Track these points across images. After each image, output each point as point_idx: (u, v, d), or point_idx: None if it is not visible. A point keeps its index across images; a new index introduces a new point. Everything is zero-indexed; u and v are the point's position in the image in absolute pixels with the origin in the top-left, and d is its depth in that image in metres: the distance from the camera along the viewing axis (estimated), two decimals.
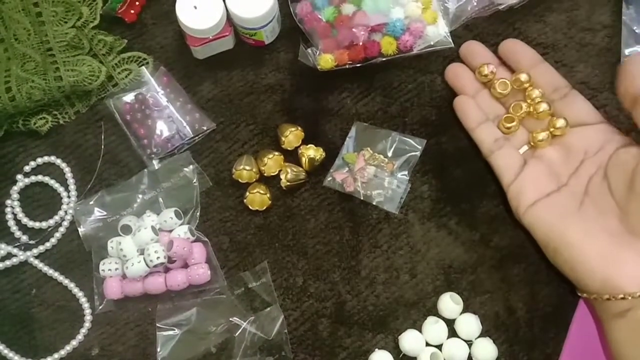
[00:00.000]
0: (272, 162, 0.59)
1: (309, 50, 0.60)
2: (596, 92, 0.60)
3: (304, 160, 0.59)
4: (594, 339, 0.53)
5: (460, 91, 0.59)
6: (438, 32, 0.60)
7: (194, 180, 0.58)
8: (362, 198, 0.58)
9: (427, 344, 0.55)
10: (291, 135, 0.59)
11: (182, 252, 0.55)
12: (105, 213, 0.58)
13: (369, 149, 0.59)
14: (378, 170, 0.58)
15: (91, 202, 0.58)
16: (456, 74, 0.60)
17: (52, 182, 0.60)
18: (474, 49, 0.60)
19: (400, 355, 0.55)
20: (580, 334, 0.54)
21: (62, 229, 0.59)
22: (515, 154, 0.55)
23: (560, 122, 0.54)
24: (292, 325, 0.56)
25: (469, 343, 0.55)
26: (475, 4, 0.61)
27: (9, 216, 0.59)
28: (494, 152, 0.55)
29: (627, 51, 0.60)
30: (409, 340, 0.54)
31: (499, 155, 0.55)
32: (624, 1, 0.61)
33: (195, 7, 0.58)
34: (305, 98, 0.62)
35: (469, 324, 0.55)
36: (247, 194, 0.58)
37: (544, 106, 0.55)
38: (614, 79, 0.60)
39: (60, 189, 0.59)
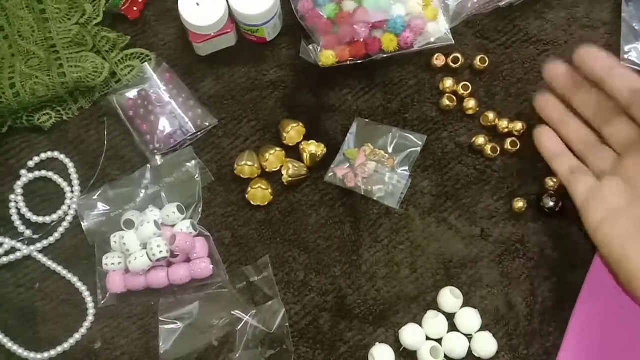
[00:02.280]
0: (273, 158, 0.59)
1: (310, 46, 0.61)
2: None
3: (305, 156, 0.59)
4: (593, 333, 0.53)
5: (547, 119, 0.58)
6: (439, 29, 0.61)
7: (196, 176, 0.58)
8: (363, 193, 0.58)
9: (428, 338, 0.55)
10: (293, 131, 0.60)
11: (184, 247, 0.55)
12: (108, 208, 0.58)
13: (369, 144, 0.60)
14: (379, 166, 0.59)
15: (94, 197, 0.58)
16: (543, 107, 0.58)
17: (56, 177, 0.60)
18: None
19: (401, 349, 0.55)
20: (581, 328, 0.54)
21: (65, 224, 0.59)
22: (590, 178, 0.53)
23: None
24: (293, 319, 0.56)
25: (469, 337, 0.55)
26: (475, 0, 0.61)
27: (13, 211, 0.59)
28: (570, 182, 0.54)
29: (626, 48, 0.60)
30: (410, 334, 0.55)
31: (574, 182, 0.53)
32: None
33: (198, 4, 0.58)
34: (307, 94, 0.62)
35: (469, 318, 0.55)
36: (249, 189, 0.59)
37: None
38: None
39: (64, 184, 0.60)
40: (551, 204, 0.57)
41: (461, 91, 0.61)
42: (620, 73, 0.52)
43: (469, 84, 0.61)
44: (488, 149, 0.59)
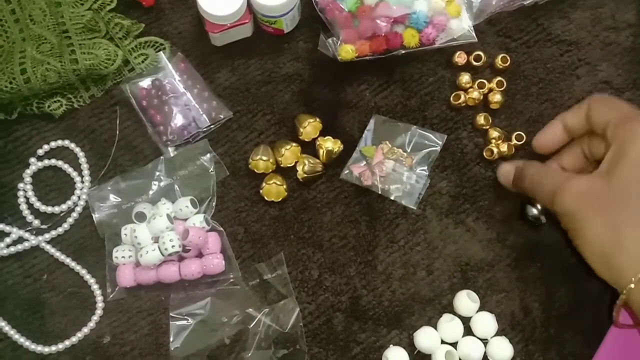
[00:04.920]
0: (289, 153, 0.58)
1: (329, 40, 0.59)
2: (619, 92, 0.60)
3: (321, 152, 0.58)
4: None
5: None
6: (461, 25, 0.60)
7: (211, 169, 0.57)
8: (379, 192, 0.57)
9: (442, 342, 0.54)
10: (309, 127, 0.58)
11: (197, 242, 0.54)
12: (119, 199, 0.57)
13: (387, 142, 0.58)
14: (397, 165, 0.58)
15: (108, 188, 0.57)
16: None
17: (66, 167, 0.59)
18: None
19: (415, 352, 0.54)
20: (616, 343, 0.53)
21: (74, 214, 0.58)
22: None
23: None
24: (306, 318, 0.55)
25: (485, 342, 0.54)
26: None
27: (22, 200, 0.58)
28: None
29: None
30: (424, 337, 0.54)
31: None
32: None
33: None
34: (324, 89, 0.61)
35: (485, 323, 0.54)
36: (264, 184, 0.57)
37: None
38: (638, 78, 0.60)
39: (74, 174, 0.59)
40: (535, 212, 0.56)
41: (480, 88, 0.60)
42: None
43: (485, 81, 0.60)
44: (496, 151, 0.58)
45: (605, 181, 0.48)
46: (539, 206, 0.56)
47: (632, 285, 0.45)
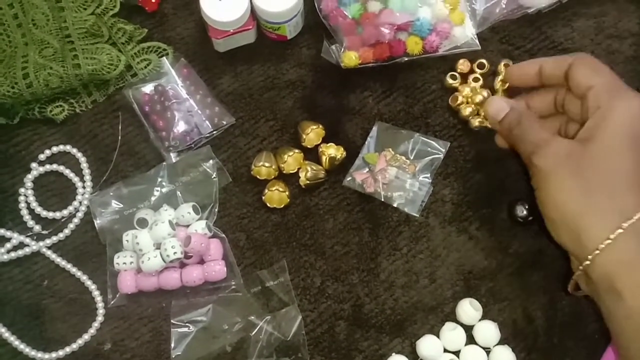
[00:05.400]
0: (291, 160, 0.58)
1: (333, 47, 0.59)
2: None
3: (324, 158, 0.58)
4: None
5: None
6: (465, 33, 0.60)
7: (214, 175, 0.57)
8: (382, 199, 0.57)
9: (445, 350, 0.54)
10: (312, 133, 0.58)
11: (199, 248, 0.54)
12: (121, 205, 0.57)
13: (390, 149, 0.58)
14: (399, 172, 0.57)
15: (110, 194, 0.57)
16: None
17: (67, 172, 0.59)
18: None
19: None
20: None
21: (76, 220, 0.58)
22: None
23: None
24: (309, 326, 0.55)
25: (487, 350, 0.54)
26: (503, 6, 0.60)
27: (22, 205, 0.58)
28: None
29: None
30: (427, 345, 0.54)
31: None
32: None
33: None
34: (327, 95, 0.61)
35: (488, 331, 0.54)
36: (266, 191, 0.57)
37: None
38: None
39: (75, 179, 0.58)
40: (524, 212, 0.56)
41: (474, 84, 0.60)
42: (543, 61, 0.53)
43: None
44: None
45: (585, 147, 0.47)
46: (526, 205, 0.56)
47: (597, 252, 0.44)
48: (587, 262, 0.45)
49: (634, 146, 0.46)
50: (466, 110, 0.59)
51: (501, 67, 0.60)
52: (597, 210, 0.45)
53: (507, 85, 0.59)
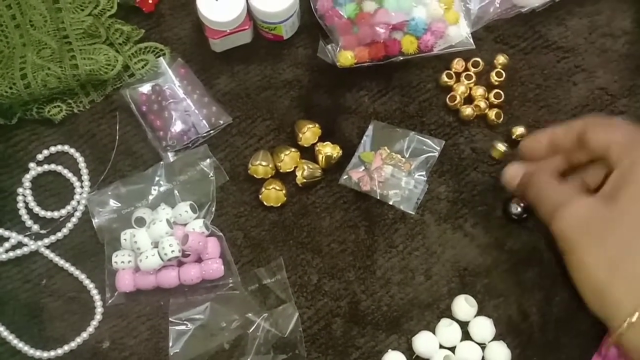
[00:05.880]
0: (288, 159, 0.58)
1: (329, 46, 0.60)
2: (615, 98, 0.60)
3: (320, 157, 0.58)
4: None
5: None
6: (459, 32, 0.60)
7: (211, 174, 0.57)
8: (378, 197, 0.58)
9: (441, 346, 0.54)
10: (308, 132, 0.59)
11: (197, 247, 0.54)
12: (119, 204, 0.57)
13: (386, 148, 0.59)
14: (395, 170, 0.58)
15: (108, 193, 0.57)
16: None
17: (65, 172, 0.59)
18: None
19: (414, 357, 0.55)
20: None
21: (74, 219, 0.58)
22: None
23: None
24: (305, 323, 0.55)
25: (483, 346, 0.54)
26: (497, 5, 0.61)
27: (21, 205, 0.58)
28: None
29: None
30: (423, 341, 0.54)
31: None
32: None
33: (217, 0, 0.57)
34: (323, 95, 0.61)
35: (483, 327, 0.54)
36: (263, 189, 0.58)
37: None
38: (634, 85, 0.60)
39: (73, 179, 0.59)
40: (518, 210, 0.56)
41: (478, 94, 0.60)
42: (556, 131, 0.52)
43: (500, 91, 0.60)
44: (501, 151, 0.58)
45: (607, 207, 0.45)
46: (522, 204, 0.56)
47: (625, 325, 0.42)
48: (620, 333, 0.43)
49: None
50: (466, 111, 0.59)
51: (497, 60, 0.61)
52: (625, 281, 0.43)
53: (502, 78, 0.60)
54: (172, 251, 0.53)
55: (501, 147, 0.58)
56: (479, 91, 0.60)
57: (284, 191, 0.58)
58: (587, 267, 0.45)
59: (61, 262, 0.57)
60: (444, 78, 0.60)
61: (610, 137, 0.47)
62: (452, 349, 0.55)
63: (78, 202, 0.58)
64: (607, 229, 0.44)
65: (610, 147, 0.47)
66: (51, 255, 0.57)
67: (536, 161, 0.53)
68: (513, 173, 0.53)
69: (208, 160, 0.58)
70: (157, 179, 0.58)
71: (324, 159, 0.58)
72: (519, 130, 0.59)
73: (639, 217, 0.44)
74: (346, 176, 0.59)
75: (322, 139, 0.59)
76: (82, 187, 0.59)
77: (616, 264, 0.43)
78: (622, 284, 0.43)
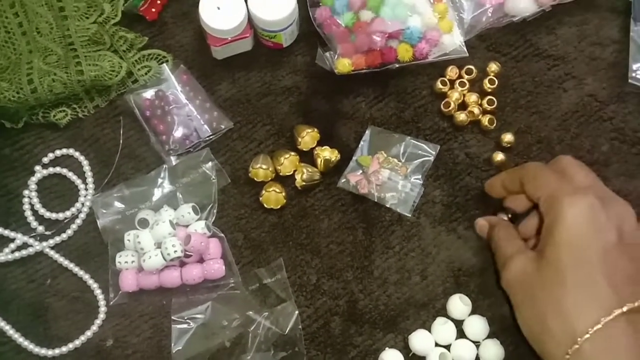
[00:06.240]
0: (288, 162, 0.60)
1: (327, 54, 0.62)
2: (603, 104, 0.62)
3: (319, 161, 0.60)
4: None
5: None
6: (453, 41, 0.62)
7: (213, 177, 0.59)
8: (375, 200, 0.59)
9: (436, 344, 0.56)
10: (307, 137, 0.60)
11: (199, 247, 0.56)
12: (123, 206, 0.59)
13: (383, 152, 0.60)
14: (392, 174, 0.60)
15: (112, 195, 0.59)
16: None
17: (70, 174, 0.60)
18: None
19: (410, 355, 0.56)
20: None
21: (78, 221, 0.59)
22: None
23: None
24: (305, 322, 0.57)
25: (477, 344, 0.56)
26: (490, 15, 0.63)
27: (26, 206, 0.59)
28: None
29: (634, 66, 0.62)
30: (419, 340, 0.55)
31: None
32: (632, 18, 0.63)
33: (219, 8, 0.59)
34: (321, 100, 0.63)
35: (477, 325, 0.56)
36: (263, 192, 0.59)
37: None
38: (622, 92, 0.62)
39: (78, 181, 0.60)
40: (506, 219, 0.58)
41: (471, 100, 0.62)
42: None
43: (493, 98, 0.62)
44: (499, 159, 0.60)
45: (537, 263, 0.48)
46: (509, 215, 0.58)
47: None
48: None
49: (583, 258, 0.46)
50: (460, 116, 0.61)
51: (490, 67, 0.63)
52: (554, 337, 0.46)
53: (495, 85, 0.62)
54: (175, 251, 0.55)
55: (501, 157, 0.60)
56: (472, 98, 0.62)
57: (283, 194, 0.59)
58: (524, 320, 0.49)
59: (65, 263, 0.58)
60: (439, 85, 0.62)
61: (537, 193, 0.50)
62: (448, 347, 0.56)
63: (82, 204, 0.60)
64: (535, 285, 0.48)
65: (539, 200, 0.50)
66: (56, 256, 0.58)
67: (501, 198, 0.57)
68: (480, 225, 0.58)
69: (210, 163, 0.59)
70: (160, 181, 0.59)
71: (322, 163, 0.60)
72: (507, 137, 0.61)
73: (559, 273, 0.47)
74: (344, 179, 0.60)
75: (320, 143, 0.61)
76: (86, 189, 0.60)
77: (544, 320, 0.47)
78: (551, 340, 0.47)
